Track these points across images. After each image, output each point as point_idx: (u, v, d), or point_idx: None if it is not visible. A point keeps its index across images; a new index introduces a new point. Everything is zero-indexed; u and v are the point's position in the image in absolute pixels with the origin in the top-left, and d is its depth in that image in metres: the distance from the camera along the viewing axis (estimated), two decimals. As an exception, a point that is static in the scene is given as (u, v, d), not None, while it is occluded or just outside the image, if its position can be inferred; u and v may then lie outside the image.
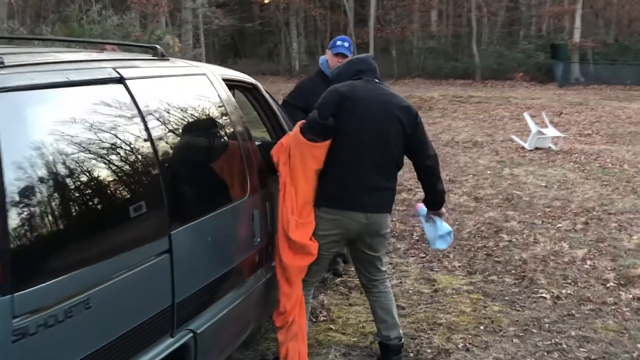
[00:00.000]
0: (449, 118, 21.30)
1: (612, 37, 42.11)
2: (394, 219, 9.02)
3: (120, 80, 3.29)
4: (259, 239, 4.38)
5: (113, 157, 3.05)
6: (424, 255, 7.58)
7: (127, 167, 3.14)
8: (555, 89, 33.42)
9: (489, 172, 12.56)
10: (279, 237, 4.57)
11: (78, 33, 19.20)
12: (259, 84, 5.24)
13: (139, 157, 3.21)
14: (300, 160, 4.55)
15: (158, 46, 4.00)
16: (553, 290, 6.48)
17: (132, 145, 3.17)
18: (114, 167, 3.05)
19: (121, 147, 3.11)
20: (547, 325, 5.74)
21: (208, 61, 40.28)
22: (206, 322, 3.67)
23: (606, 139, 17.09)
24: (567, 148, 15.24)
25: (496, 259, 7.47)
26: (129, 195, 3.14)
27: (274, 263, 4.70)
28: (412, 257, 7.55)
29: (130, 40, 23.62)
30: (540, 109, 22.40)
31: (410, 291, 6.50)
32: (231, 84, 4.81)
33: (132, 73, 3.42)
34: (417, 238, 8.21)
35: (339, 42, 6.56)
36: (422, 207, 5.19)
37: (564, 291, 6.47)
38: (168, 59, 4.06)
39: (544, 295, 6.38)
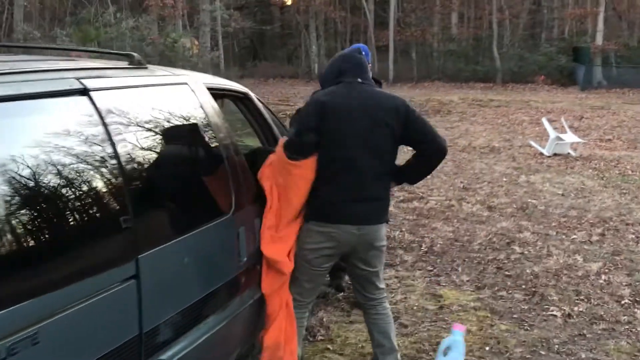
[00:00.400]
0: (467, 122, 20.96)
1: (635, 40, 41.47)
2: (403, 229, 8.75)
3: (84, 91, 3.04)
4: (245, 259, 4.12)
5: (69, 174, 2.80)
6: (431, 269, 7.30)
7: (86, 184, 2.88)
8: (577, 92, 32.93)
9: (504, 179, 12.24)
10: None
11: (92, 36, 19.02)
12: (250, 93, 4.98)
13: (101, 173, 2.96)
14: (283, 178, 4.35)
15: (135, 54, 3.75)
16: (564, 308, 6.17)
17: (92, 162, 2.92)
18: (69, 185, 2.79)
19: (80, 164, 2.86)
20: (557, 346, 5.44)
21: (227, 64, 40.42)
22: (181, 351, 3.40)
23: (627, 144, 16.67)
24: (586, 154, 14.88)
25: (507, 272, 7.16)
26: (86, 218, 2.89)
27: (263, 282, 4.46)
28: (419, 270, 7.26)
29: (146, 44, 23.55)
30: (561, 113, 22.03)
31: (415, 307, 6.22)
32: (219, 93, 4.56)
33: (98, 83, 3.17)
34: (425, 250, 7.93)
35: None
36: (457, 331, 4.58)
37: (575, 308, 6.17)
38: (145, 68, 3.82)
39: (554, 312, 6.08)
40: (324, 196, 4.37)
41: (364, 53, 6.05)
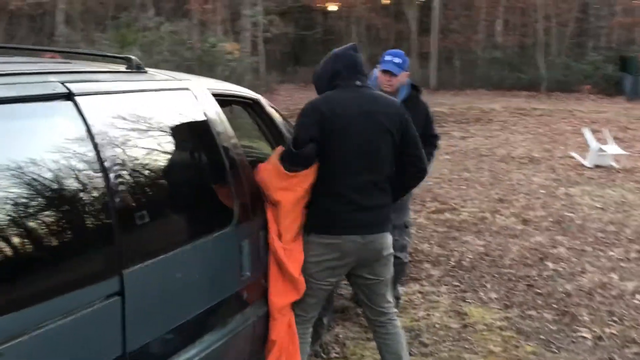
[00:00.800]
0: (508, 131, 20.54)
1: (685, 49, 40.53)
2: (432, 242, 8.48)
3: (69, 96, 2.86)
4: (248, 273, 3.91)
5: (46, 182, 2.61)
6: (457, 284, 7.02)
7: (64, 191, 2.69)
8: (624, 102, 32.15)
9: (542, 191, 11.88)
10: (270, 265, 4.17)
11: (130, 40, 19.03)
12: (261, 99, 4.78)
13: (81, 181, 2.76)
14: (277, 187, 4.14)
15: (133, 57, 3.57)
16: (595, 329, 5.87)
17: (73, 169, 2.73)
18: (43, 192, 2.60)
19: (59, 172, 2.67)
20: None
21: (267, 69, 40.38)
22: (172, 372, 3.22)
23: (672, 157, 16.16)
24: (629, 166, 14.42)
25: (537, 290, 6.86)
26: (64, 230, 2.69)
27: (269, 298, 4.25)
28: (445, 285, 6.99)
29: (185, 48, 23.56)
30: (606, 124, 21.48)
31: (437, 325, 5.96)
32: (226, 100, 4.36)
33: (85, 88, 2.98)
34: (453, 264, 7.65)
35: (387, 57, 5.88)
36: None
37: (607, 330, 5.86)
38: (145, 72, 3.63)
39: (584, 334, 5.78)
40: (325, 207, 4.21)
41: (398, 60, 5.80)
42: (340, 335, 5.67)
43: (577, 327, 5.93)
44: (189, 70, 24.04)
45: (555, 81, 37.38)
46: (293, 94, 33.97)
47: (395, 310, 4.61)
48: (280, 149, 4.30)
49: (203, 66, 25.20)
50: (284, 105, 27.48)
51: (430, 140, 5.99)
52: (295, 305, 4.29)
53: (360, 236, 4.18)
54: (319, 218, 4.21)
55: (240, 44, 32.48)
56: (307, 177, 4.14)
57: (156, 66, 19.10)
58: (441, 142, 17.58)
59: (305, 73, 44.14)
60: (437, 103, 30.08)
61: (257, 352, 4.32)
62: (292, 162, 4.11)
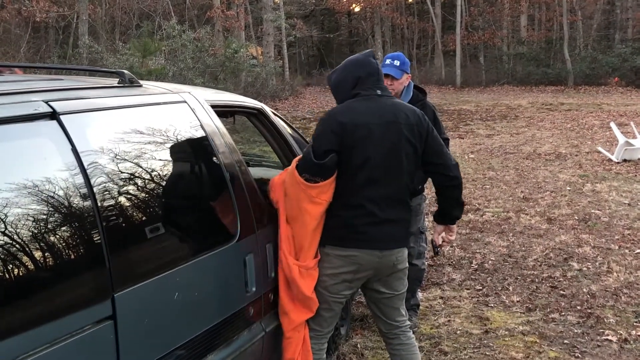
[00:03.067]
0: (534, 127, 20.28)
1: None
2: (454, 245, 8.32)
3: (53, 115, 2.78)
4: (254, 288, 3.81)
5: (31, 202, 2.53)
6: (480, 288, 6.87)
7: (50, 213, 2.61)
8: (653, 94, 31.71)
9: (568, 188, 11.67)
10: (279, 283, 4.07)
11: (152, 49, 19.06)
12: (265, 108, 4.67)
13: (68, 201, 2.68)
14: (296, 201, 4.03)
15: (126, 71, 3.49)
16: (621, 332, 5.69)
17: (58, 190, 2.65)
18: (29, 214, 2.52)
19: (44, 192, 2.59)
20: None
21: (292, 72, 40.38)
22: (173, 395, 3.13)
23: (703, 148, 15.80)
24: (658, 160, 14.12)
25: (561, 292, 6.69)
26: (52, 253, 2.60)
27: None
28: (467, 289, 6.85)
29: (208, 55, 23.57)
30: (634, 116, 21.17)
31: (458, 332, 5.82)
32: (227, 110, 4.27)
33: (71, 106, 2.90)
34: (475, 267, 7.50)
35: (387, 61, 5.75)
36: None
37: (633, 332, 5.68)
38: (139, 86, 3.55)
39: (609, 337, 5.61)
40: (343, 219, 4.05)
41: (398, 62, 5.68)
42: (359, 345, 5.55)
43: (602, 330, 5.76)
44: (213, 76, 24.11)
45: (582, 75, 36.95)
46: (318, 97, 33.92)
47: (409, 323, 4.47)
48: (297, 159, 4.16)
49: (227, 72, 25.23)
50: (308, 108, 27.46)
51: None
52: (310, 320, 4.18)
53: (378, 251, 4.05)
54: (336, 230, 4.07)
55: (264, 48, 32.50)
56: (328, 187, 4.01)
57: (180, 74, 19.09)
58: (466, 141, 17.45)
59: (330, 75, 44.20)
60: (463, 101, 29.91)
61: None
62: (312, 172, 3.97)
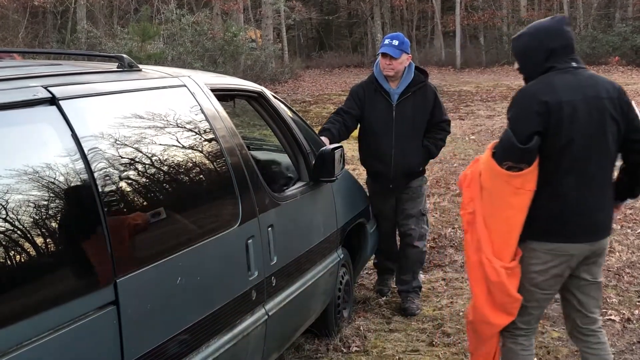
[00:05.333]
0: (535, 108, 20.18)
1: None
2: (456, 226, 8.33)
3: (52, 101, 2.76)
4: (256, 273, 3.81)
5: (31, 188, 2.52)
6: (482, 269, 6.86)
7: (50, 198, 2.60)
8: (654, 73, 31.61)
9: (569, 168, 11.63)
10: (476, 291, 3.86)
11: (151, 33, 18.98)
12: (265, 91, 4.64)
13: (68, 186, 2.67)
14: (498, 195, 3.71)
15: (125, 55, 3.47)
16: (624, 312, 5.70)
17: (58, 175, 2.63)
18: (30, 201, 2.51)
19: (44, 179, 2.58)
20: (612, 355, 4.96)
21: (292, 55, 40.24)
22: (176, 379, 3.13)
23: None
24: (659, 139, 14.07)
25: (563, 272, 6.68)
26: (52, 238, 2.59)
27: (280, 297, 4.14)
28: (469, 271, 6.84)
29: (207, 38, 23.50)
30: (635, 95, 21.10)
31: (461, 313, 5.81)
32: (227, 94, 4.25)
33: (71, 91, 2.89)
34: (477, 248, 7.48)
35: (386, 41, 5.76)
36: None
37: (636, 312, 5.70)
38: (138, 70, 3.53)
39: (612, 317, 5.62)
40: (549, 210, 3.71)
41: (397, 42, 5.71)
42: (362, 328, 5.55)
43: (605, 310, 5.75)
44: (212, 60, 24.04)
45: (582, 54, 36.59)
46: (318, 79, 33.81)
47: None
48: (492, 146, 3.78)
49: (226, 56, 25.15)
50: (308, 91, 27.38)
51: (442, 126, 5.91)
52: (519, 320, 3.90)
53: (589, 243, 3.77)
54: (541, 222, 3.74)
55: (263, 32, 32.39)
56: (532, 175, 3.63)
57: (179, 58, 19.00)
58: (467, 122, 17.38)
59: (330, 57, 44.04)
60: (463, 82, 29.82)
61: (273, 350, 4.24)
62: (516, 159, 3.62)
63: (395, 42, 5.70)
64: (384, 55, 5.72)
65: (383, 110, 5.77)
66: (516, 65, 3.94)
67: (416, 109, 5.76)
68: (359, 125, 5.95)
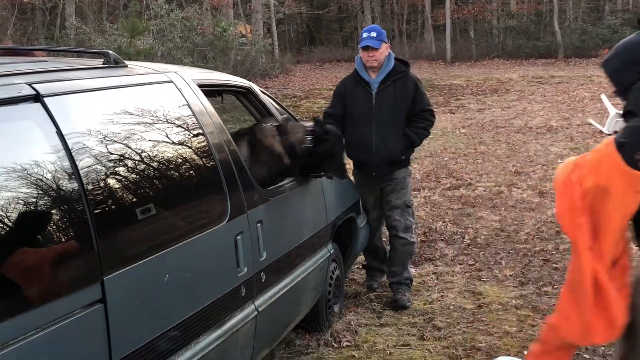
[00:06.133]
0: (525, 101, 20.20)
1: None
2: (446, 220, 8.34)
3: (37, 98, 2.74)
4: (245, 269, 3.79)
5: (15, 186, 2.50)
6: (473, 263, 6.88)
7: (35, 197, 2.58)
8: (643, 65, 31.59)
9: (559, 161, 11.59)
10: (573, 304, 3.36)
11: (140, 28, 18.92)
12: (253, 86, 4.64)
13: (53, 185, 2.64)
14: (619, 200, 3.16)
15: (111, 51, 3.45)
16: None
17: (43, 174, 2.61)
18: (15, 199, 2.49)
19: (28, 177, 2.56)
20: (602, 348, 4.99)
21: (282, 50, 40.15)
22: (166, 376, 3.11)
23: (694, 118, 15.78)
24: (649, 131, 14.09)
25: (554, 265, 6.71)
26: (37, 239, 2.58)
27: (269, 293, 4.13)
28: (460, 264, 6.86)
29: (196, 34, 23.43)
30: (624, 88, 21.10)
31: (452, 307, 5.83)
32: (215, 90, 4.23)
33: (55, 88, 2.87)
34: (468, 242, 7.51)
35: (365, 34, 5.90)
36: None
37: (627, 305, 5.68)
38: (124, 66, 3.51)
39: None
40: None
41: (374, 34, 5.84)
42: (352, 322, 5.54)
43: (595, 302, 5.77)
44: (202, 55, 23.98)
45: (572, 47, 36.83)
46: (309, 74, 33.74)
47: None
48: (611, 140, 3.32)
49: (216, 51, 25.09)
50: (299, 86, 27.34)
51: (424, 115, 5.99)
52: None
53: None
54: None
55: (253, 26, 32.33)
56: None
57: (169, 53, 18.92)
58: (457, 116, 17.39)
59: (321, 52, 43.97)
60: (453, 75, 29.82)
61: (263, 345, 4.23)
62: None
63: (374, 34, 5.86)
64: (365, 48, 5.84)
65: (364, 100, 5.90)
66: (613, 88, 3.70)
67: (396, 98, 5.87)
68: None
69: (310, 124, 4.75)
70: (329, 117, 5.89)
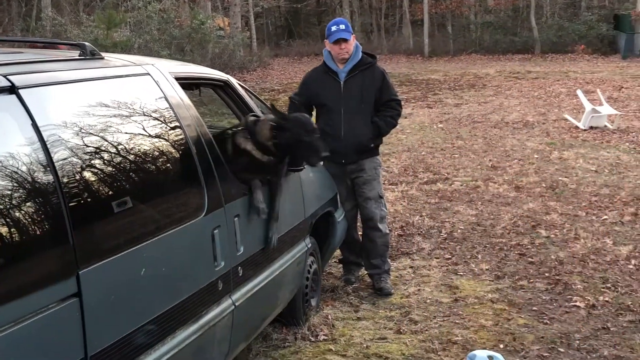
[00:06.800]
0: (502, 96, 20.30)
1: (679, 5, 40.09)
2: (423, 214, 8.37)
3: (12, 89, 2.71)
4: (222, 263, 3.78)
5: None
6: (449, 257, 6.91)
7: (9, 190, 2.54)
8: (618, 61, 31.85)
9: (536, 156, 11.74)
10: None
11: (117, 20, 18.79)
12: (231, 80, 4.62)
13: (28, 177, 2.61)
14: None
15: (87, 43, 3.42)
16: (589, 298, 5.75)
17: (17, 164, 2.58)
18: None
19: (2, 168, 2.53)
20: (577, 342, 5.04)
21: (260, 43, 40.02)
22: (141, 370, 3.09)
23: (668, 115, 15.96)
24: (624, 126, 14.25)
25: (529, 259, 6.76)
26: (11, 232, 2.54)
27: (247, 287, 4.11)
28: (437, 258, 6.88)
29: (174, 26, 23.31)
30: (600, 84, 21.32)
31: (428, 301, 5.85)
32: (193, 83, 4.21)
33: (31, 80, 2.84)
34: (445, 236, 7.54)
35: (333, 28, 5.98)
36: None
37: (601, 298, 5.75)
38: (101, 58, 3.48)
39: (577, 303, 5.67)
40: None
41: (343, 26, 5.91)
42: (330, 316, 5.54)
43: (570, 296, 5.82)
44: (179, 48, 23.85)
45: (549, 43, 37.07)
46: (287, 67, 33.71)
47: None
48: None
49: (193, 44, 24.97)
50: (277, 80, 27.31)
51: (391, 105, 6.10)
52: None
53: None
54: None
55: (231, 19, 32.21)
56: None
57: (145, 46, 18.81)
58: (434, 110, 17.47)
59: (299, 46, 43.96)
60: (431, 70, 29.93)
61: (240, 340, 4.22)
62: None
63: (342, 26, 5.96)
64: (339, 41, 5.93)
65: (332, 89, 5.99)
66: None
67: (364, 87, 5.99)
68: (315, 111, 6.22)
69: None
70: (294, 102, 6.15)
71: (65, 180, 2.76)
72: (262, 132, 4.40)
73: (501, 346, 5.01)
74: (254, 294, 4.21)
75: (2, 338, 2.40)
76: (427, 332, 5.28)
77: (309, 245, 5.33)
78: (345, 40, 5.88)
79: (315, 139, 4.59)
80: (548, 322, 5.38)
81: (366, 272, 6.32)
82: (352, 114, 5.94)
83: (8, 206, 2.54)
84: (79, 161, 2.90)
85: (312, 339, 5.19)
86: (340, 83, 5.98)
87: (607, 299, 5.75)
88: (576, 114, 15.54)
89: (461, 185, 9.82)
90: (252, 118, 4.53)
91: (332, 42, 5.90)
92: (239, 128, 4.49)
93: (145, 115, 3.48)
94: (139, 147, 3.36)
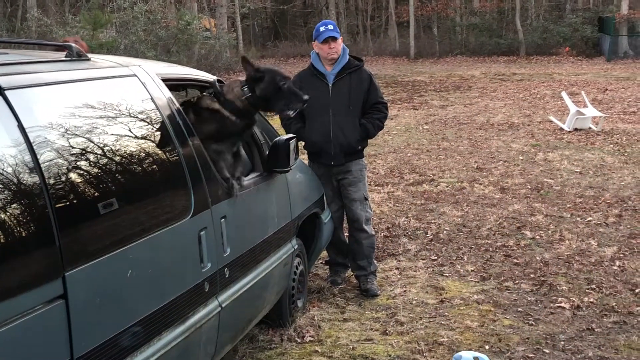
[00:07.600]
0: (487, 98, 20.37)
1: (663, 7, 40.36)
2: (409, 215, 8.39)
3: (-3, 91, 2.71)
4: (209, 264, 3.78)
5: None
6: (435, 258, 6.93)
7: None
8: (603, 63, 32.08)
9: (521, 157, 11.79)
10: None
11: (103, 21, 18.72)
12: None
13: (14, 179, 2.60)
14: None
15: (73, 44, 3.41)
16: (573, 299, 5.79)
17: (2, 167, 2.57)
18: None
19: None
20: (562, 343, 5.07)
21: (247, 45, 39.95)
22: (128, 372, 3.09)
23: (652, 117, 16.06)
24: (608, 128, 14.34)
25: (515, 260, 6.78)
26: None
27: (233, 288, 4.11)
28: (423, 259, 6.90)
29: (160, 27, 23.25)
30: (585, 86, 21.45)
31: (414, 302, 5.86)
32: (179, 84, 4.20)
33: (17, 81, 2.83)
34: (430, 237, 7.56)
35: (322, 28, 6.03)
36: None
37: (585, 299, 5.78)
38: (87, 59, 3.47)
39: (562, 305, 5.70)
40: None
41: (332, 26, 5.95)
42: (316, 317, 5.55)
43: (555, 297, 5.85)
44: (165, 49, 23.80)
45: (534, 45, 37.28)
46: (272, 69, 33.63)
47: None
48: None
49: (179, 45, 24.93)
50: (262, 81, 27.25)
51: (378, 107, 6.13)
52: None
53: None
54: None
55: (217, 20, 32.18)
56: None
57: (132, 47, 18.74)
58: (420, 112, 17.49)
59: (286, 47, 43.93)
60: (417, 72, 30.00)
61: (227, 341, 4.22)
62: None
63: (331, 27, 6.00)
64: (327, 40, 5.94)
65: (321, 91, 5.98)
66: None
67: (352, 89, 6.01)
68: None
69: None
70: None
71: (51, 181, 2.76)
72: (233, 91, 4.39)
73: (487, 347, 5.03)
74: (241, 295, 4.21)
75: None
76: (413, 333, 5.29)
77: (296, 247, 5.33)
78: (335, 39, 5.90)
79: (291, 84, 4.64)
80: (533, 323, 5.41)
81: (352, 273, 6.34)
82: (341, 117, 5.97)
83: (-5, 208, 2.53)
84: (66, 162, 2.89)
85: (298, 340, 5.20)
86: (329, 85, 6.00)
87: (591, 300, 5.78)
88: (561, 115, 15.62)
89: (447, 186, 9.86)
90: (218, 80, 4.52)
91: (320, 41, 5.92)
92: (205, 93, 4.47)
93: (131, 116, 3.48)
94: (126, 149, 3.36)
